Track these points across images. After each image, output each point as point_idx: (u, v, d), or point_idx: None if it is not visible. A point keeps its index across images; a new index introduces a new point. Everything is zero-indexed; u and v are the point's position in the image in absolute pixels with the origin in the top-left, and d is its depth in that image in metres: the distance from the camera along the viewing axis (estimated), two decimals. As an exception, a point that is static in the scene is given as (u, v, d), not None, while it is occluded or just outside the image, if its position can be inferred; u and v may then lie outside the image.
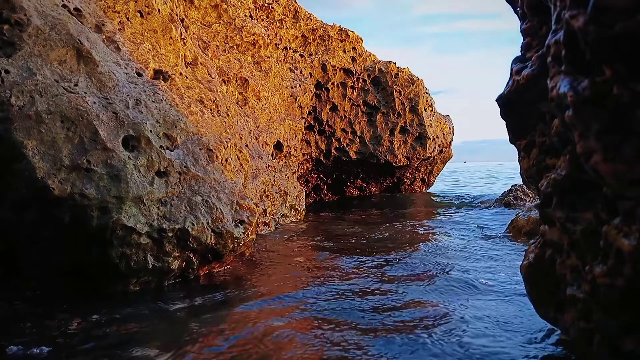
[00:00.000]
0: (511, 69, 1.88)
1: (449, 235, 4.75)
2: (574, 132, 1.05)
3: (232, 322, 2.16)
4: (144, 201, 2.79)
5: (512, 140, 2.05)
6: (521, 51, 1.84)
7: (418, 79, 8.88)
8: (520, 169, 2.02)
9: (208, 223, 3.03)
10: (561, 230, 1.53)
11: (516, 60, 1.83)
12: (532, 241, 1.85)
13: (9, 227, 2.62)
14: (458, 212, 7.28)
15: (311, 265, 3.42)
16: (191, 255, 2.96)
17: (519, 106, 1.77)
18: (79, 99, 2.77)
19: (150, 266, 2.76)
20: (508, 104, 1.83)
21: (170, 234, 2.84)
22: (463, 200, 8.92)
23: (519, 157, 2.05)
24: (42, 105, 2.62)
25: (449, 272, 3.09)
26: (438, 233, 4.95)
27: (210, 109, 3.77)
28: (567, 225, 1.48)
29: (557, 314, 1.65)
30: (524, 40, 1.80)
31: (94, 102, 2.85)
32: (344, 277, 3.04)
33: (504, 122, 2.07)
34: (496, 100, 2.00)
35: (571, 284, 1.45)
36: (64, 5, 3.12)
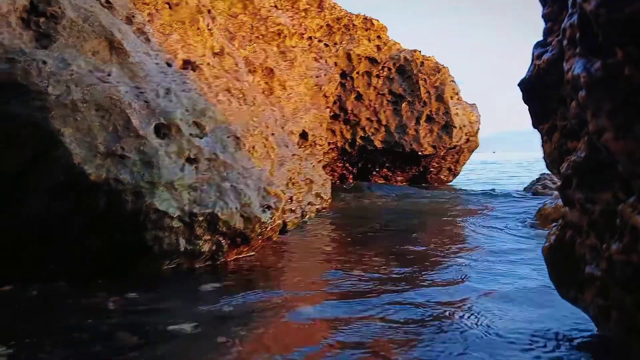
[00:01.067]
0: (533, 54, 1.91)
1: (474, 225, 4.77)
2: (587, 111, 1.08)
3: (259, 304, 2.24)
4: (175, 186, 2.90)
5: (535, 125, 2.07)
6: (543, 36, 1.87)
7: (444, 67, 8.83)
8: (544, 153, 2.04)
9: (237, 208, 3.12)
10: (581, 211, 1.56)
11: (537, 45, 1.85)
12: (553, 224, 1.88)
13: (47, 212, 2.76)
14: (484, 201, 7.26)
15: (336, 252, 3.49)
16: (221, 239, 3.06)
17: (540, 90, 1.80)
18: (112, 89, 2.88)
19: (182, 249, 2.87)
20: (530, 88, 1.85)
21: (200, 218, 2.94)
22: (488, 191, 8.85)
23: (542, 142, 2.07)
24: (77, 95, 2.74)
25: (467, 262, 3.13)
26: (462, 223, 4.96)
27: (237, 98, 3.86)
28: (587, 206, 1.52)
29: (577, 294, 1.68)
30: (545, 25, 1.82)
31: (127, 91, 2.96)
32: (369, 263, 3.10)
33: (527, 107, 2.09)
34: (518, 85, 2.03)
35: (590, 262, 1.49)
36: (97, -2, 3.23)
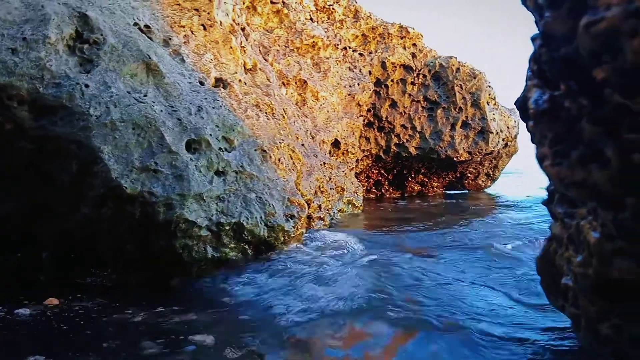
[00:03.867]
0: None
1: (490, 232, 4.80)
2: (535, 139, 1.21)
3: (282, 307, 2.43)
4: (204, 198, 3.13)
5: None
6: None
7: (480, 72, 8.81)
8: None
9: (261, 217, 3.33)
10: (561, 225, 1.67)
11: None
12: (545, 236, 1.98)
13: (90, 221, 3.04)
14: (516, 209, 7.21)
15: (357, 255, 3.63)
16: (246, 247, 3.27)
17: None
18: (147, 108, 3.15)
19: (210, 256, 3.10)
20: (521, 107, 1.96)
21: (227, 227, 3.17)
22: (520, 200, 8.74)
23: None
24: (116, 115, 3.01)
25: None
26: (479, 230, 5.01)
27: (266, 113, 4.07)
28: (566, 220, 1.63)
29: (564, 302, 1.78)
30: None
31: (161, 110, 3.22)
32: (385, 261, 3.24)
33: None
34: (514, 104, 2.14)
35: (566, 274, 1.59)
36: (135, 24, 3.52)
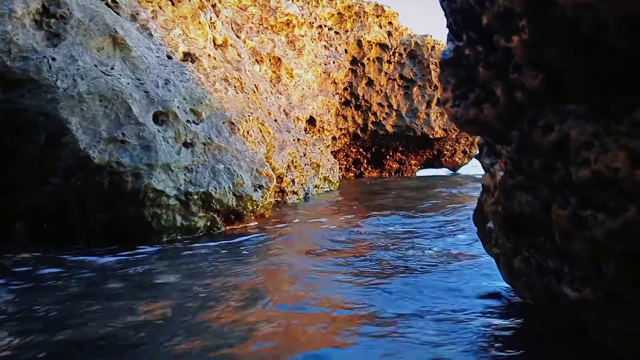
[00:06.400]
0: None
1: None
2: (442, 86, 1.33)
3: (246, 257, 2.54)
4: (172, 168, 3.22)
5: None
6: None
7: (455, 51, 8.93)
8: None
9: (229, 187, 3.43)
10: (489, 176, 1.80)
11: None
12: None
13: (60, 191, 3.12)
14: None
15: (327, 222, 3.76)
16: (215, 216, 3.37)
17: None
18: (114, 81, 3.21)
19: (179, 224, 3.20)
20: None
21: (195, 197, 3.26)
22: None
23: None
24: (83, 87, 3.08)
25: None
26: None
27: (234, 87, 4.15)
28: (491, 170, 1.75)
29: (490, 246, 1.92)
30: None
31: (128, 83, 3.29)
32: (352, 224, 3.37)
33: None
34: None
35: (491, 219, 1.73)
36: (102, -1, 3.56)
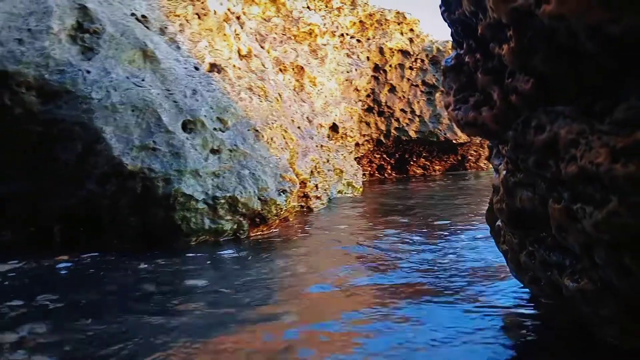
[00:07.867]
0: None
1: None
2: (444, 91, 1.43)
3: (272, 260, 2.67)
4: (200, 174, 3.37)
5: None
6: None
7: (478, 56, 8.96)
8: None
9: (254, 192, 3.57)
10: (498, 176, 1.89)
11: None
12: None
13: (95, 197, 3.30)
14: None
15: (351, 230, 3.87)
16: (241, 219, 3.51)
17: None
18: (145, 92, 3.39)
19: (207, 227, 3.34)
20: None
21: (222, 201, 3.41)
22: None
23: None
24: (116, 98, 3.26)
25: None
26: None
27: (259, 95, 4.30)
28: (499, 171, 1.84)
29: (499, 242, 2.00)
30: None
31: (158, 94, 3.47)
32: (375, 237, 3.47)
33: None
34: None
35: (499, 216, 1.81)
36: (132, 14, 3.76)
